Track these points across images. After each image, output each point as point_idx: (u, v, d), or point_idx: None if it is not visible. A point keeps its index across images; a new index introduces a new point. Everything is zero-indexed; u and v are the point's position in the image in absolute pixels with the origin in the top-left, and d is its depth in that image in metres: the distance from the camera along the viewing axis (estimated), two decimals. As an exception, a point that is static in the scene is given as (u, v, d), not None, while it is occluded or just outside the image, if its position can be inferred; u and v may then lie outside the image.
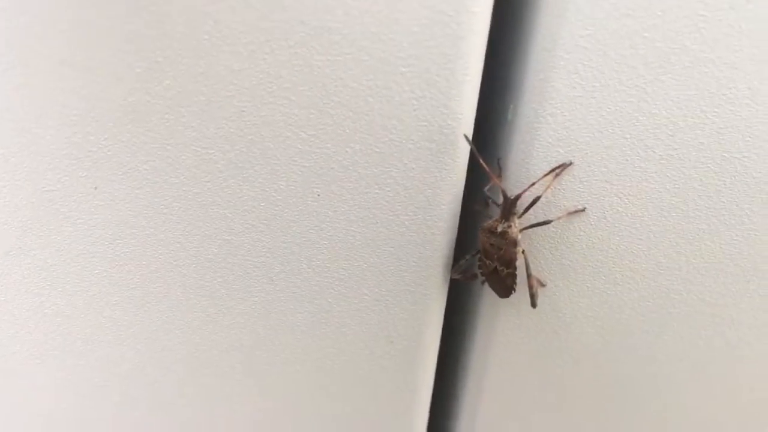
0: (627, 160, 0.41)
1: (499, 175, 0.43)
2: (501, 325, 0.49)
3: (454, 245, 0.46)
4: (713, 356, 0.51)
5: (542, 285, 0.46)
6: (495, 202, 0.43)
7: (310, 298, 0.46)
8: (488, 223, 0.42)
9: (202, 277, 0.44)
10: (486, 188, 0.42)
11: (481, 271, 0.45)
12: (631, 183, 0.42)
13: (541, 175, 0.41)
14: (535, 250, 0.45)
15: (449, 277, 0.46)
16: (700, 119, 0.40)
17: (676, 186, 0.43)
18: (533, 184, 0.40)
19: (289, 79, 0.36)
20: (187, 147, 0.38)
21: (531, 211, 0.43)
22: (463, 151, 0.40)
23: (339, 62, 0.36)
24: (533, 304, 0.45)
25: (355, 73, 0.36)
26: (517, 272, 0.44)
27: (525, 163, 0.41)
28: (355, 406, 0.52)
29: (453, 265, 0.46)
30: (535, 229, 0.44)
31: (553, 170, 0.40)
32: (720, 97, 0.39)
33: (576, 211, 0.43)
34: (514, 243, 0.42)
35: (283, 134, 0.38)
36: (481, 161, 0.39)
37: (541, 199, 0.42)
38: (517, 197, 0.41)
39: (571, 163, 0.41)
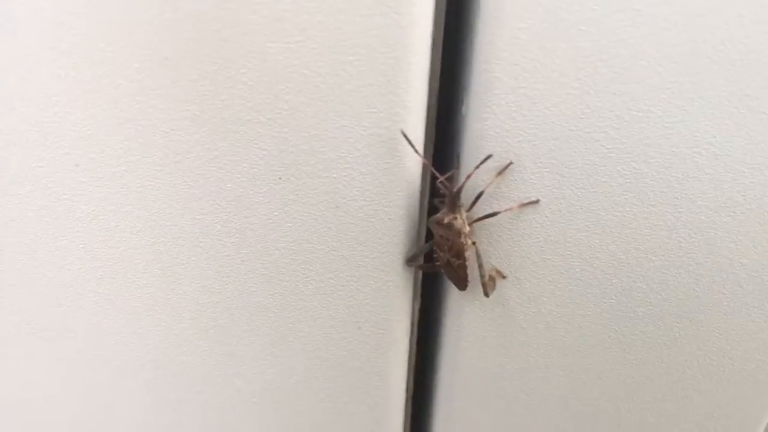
0: (575, 152, 0.43)
1: (456, 168, 0.45)
2: (467, 319, 0.51)
3: (419, 235, 0.48)
4: (678, 352, 0.51)
5: (503, 277, 0.48)
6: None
7: (280, 280, 0.48)
8: (437, 215, 0.44)
9: (177, 255, 0.47)
10: (438, 181, 0.44)
11: (438, 263, 0.47)
12: (581, 176, 0.44)
13: (473, 168, 0.42)
14: (495, 243, 0.47)
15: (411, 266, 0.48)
16: (644, 113, 0.41)
17: (628, 181, 0.44)
18: (468, 177, 0.42)
19: (245, 65, 0.39)
20: (156, 129, 0.42)
21: (484, 204, 0.45)
22: (417, 139, 0.43)
23: (290, 49, 0.39)
24: (485, 294, 0.46)
25: (306, 60, 0.39)
26: (467, 263, 0.45)
27: (478, 156, 0.43)
28: (328, 393, 0.54)
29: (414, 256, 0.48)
30: (493, 222, 0.46)
31: (482, 162, 0.42)
32: (663, 91, 0.41)
33: (529, 203, 0.45)
34: (459, 234, 0.44)
35: (243, 118, 0.41)
36: (421, 157, 0.42)
37: (496, 192, 0.44)
38: (459, 190, 0.43)
39: (510, 163, 0.43)
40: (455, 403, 0.56)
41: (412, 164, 0.44)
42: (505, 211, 0.45)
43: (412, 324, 0.53)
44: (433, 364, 0.56)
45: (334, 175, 0.43)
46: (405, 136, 0.41)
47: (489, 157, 0.42)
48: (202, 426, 0.56)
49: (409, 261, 0.48)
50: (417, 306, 0.53)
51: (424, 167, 0.45)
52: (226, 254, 0.47)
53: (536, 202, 0.45)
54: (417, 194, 0.45)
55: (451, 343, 0.53)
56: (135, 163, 0.43)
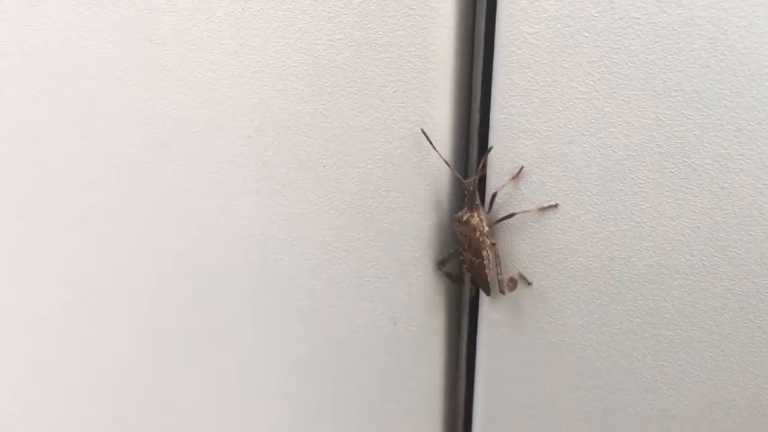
0: (589, 158, 0.46)
1: (483, 164, 0.49)
2: (500, 329, 0.53)
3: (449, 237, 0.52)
4: (706, 363, 0.50)
5: (528, 283, 0.50)
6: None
7: (324, 267, 0.53)
8: (458, 213, 0.49)
9: (199, 262, 0.54)
10: (467, 180, 0.49)
11: (465, 265, 0.51)
12: (597, 183, 0.46)
13: (478, 168, 0.47)
14: (516, 252, 0.50)
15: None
16: (653, 120, 0.44)
17: (643, 190, 0.46)
18: (478, 173, 0.47)
19: (297, 59, 0.47)
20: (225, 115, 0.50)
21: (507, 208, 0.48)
22: (444, 133, 0.48)
23: (332, 46, 0.46)
24: (501, 291, 0.49)
25: (344, 55, 0.46)
26: (487, 262, 0.49)
27: (500, 154, 0.47)
28: (365, 392, 0.57)
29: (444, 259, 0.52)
30: (514, 230, 0.49)
31: (486, 153, 0.46)
32: (668, 98, 0.43)
33: (549, 207, 0.48)
34: (475, 230, 0.47)
35: (294, 108, 0.48)
36: (440, 155, 0.47)
37: (516, 196, 0.48)
38: (474, 188, 0.47)
39: (522, 168, 0.47)
40: (493, 414, 0.57)
41: (439, 159, 0.48)
42: (522, 212, 0.48)
43: (460, 337, 0.56)
44: (470, 374, 0.58)
45: (370, 166, 0.49)
46: (424, 133, 0.46)
47: (491, 148, 0.46)
48: (234, 420, 0.61)
49: (439, 264, 0.52)
50: (465, 323, 0.56)
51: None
52: (277, 238, 0.53)
53: (555, 206, 0.47)
54: (446, 189, 0.49)
55: (484, 354, 0.55)
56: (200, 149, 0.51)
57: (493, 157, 0.48)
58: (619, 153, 0.45)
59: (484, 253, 0.48)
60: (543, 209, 0.48)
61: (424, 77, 0.45)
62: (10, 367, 0.63)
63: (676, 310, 0.48)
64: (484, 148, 0.49)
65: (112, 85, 0.50)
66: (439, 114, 0.47)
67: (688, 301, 0.48)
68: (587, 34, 0.43)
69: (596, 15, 0.42)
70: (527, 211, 0.48)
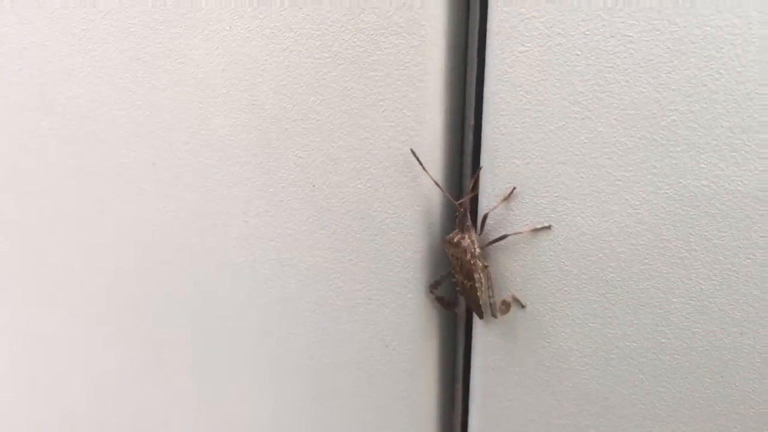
0: (582, 178, 0.45)
1: (471, 189, 0.48)
2: (494, 353, 0.52)
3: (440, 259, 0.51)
4: (705, 389, 0.48)
5: (522, 306, 0.49)
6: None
7: (314, 288, 0.53)
8: (448, 235, 0.48)
9: (209, 262, 0.53)
10: (458, 202, 0.48)
11: (457, 288, 0.50)
12: (591, 204, 0.45)
13: (469, 189, 0.46)
14: (510, 275, 0.49)
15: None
16: (647, 141, 0.43)
17: (638, 211, 0.45)
18: (470, 195, 0.47)
19: (283, 78, 0.46)
20: (212, 135, 0.49)
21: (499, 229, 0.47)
22: (436, 153, 0.47)
23: (320, 65, 0.45)
24: (493, 314, 0.48)
25: (333, 74, 0.46)
26: (479, 285, 0.48)
27: (494, 174, 0.47)
28: (356, 415, 0.56)
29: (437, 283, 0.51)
30: (508, 251, 0.48)
31: (476, 174, 0.45)
32: (661, 119, 0.42)
33: (541, 228, 0.47)
34: (466, 252, 0.47)
35: (282, 127, 0.48)
36: (430, 176, 0.46)
37: (510, 218, 0.47)
38: (465, 209, 0.46)
39: (514, 189, 0.46)
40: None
41: (430, 180, 0.47)
42: (515, 234, 0.47)
43: (455, 360, 0.55)
44: (465, 398, 0.57)
45: (359, 186, 0.48)
46: (414, 154, 0.46)
47: (480, 168, 0.45)
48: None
49: (431, 287, 0.51)
50: (460, 346, 0.55)
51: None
52: (267, 259, 0.52)
53: (548, 227, 0.46)
54: (437, 210, 0.49)
55: (481, 378, 0.53)
56: (187, 167, 0.51)
57: (484, 178, 0.47)
58: (613, 173, 0.44)
59: (476, 276, 0.47)
60: (536, 231, 0.47)
61: (414, 96, 0.45)
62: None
63: (673, 335, 0.47)
64: (476, 168, 0.48)
65: (100, 103, 0.49)
66: (430, 134, 0.46)
67: (685, 325, 0.47)
68: (579, 53, 0.42)
69: (587, 33, 0.41)
70: (520, 232, 0.47)
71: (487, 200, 0.47)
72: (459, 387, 0.57)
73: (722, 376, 0.47)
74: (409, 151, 0.46)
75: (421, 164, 0.46)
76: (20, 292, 0.59)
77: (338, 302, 0.53)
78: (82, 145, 0.52)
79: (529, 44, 0.43)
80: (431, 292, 0.51)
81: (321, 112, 0.47)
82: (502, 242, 0.47)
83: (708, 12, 0.39)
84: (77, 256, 0.56)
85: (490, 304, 0.48)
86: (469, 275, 0.47)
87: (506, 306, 0.48)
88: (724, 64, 0.40)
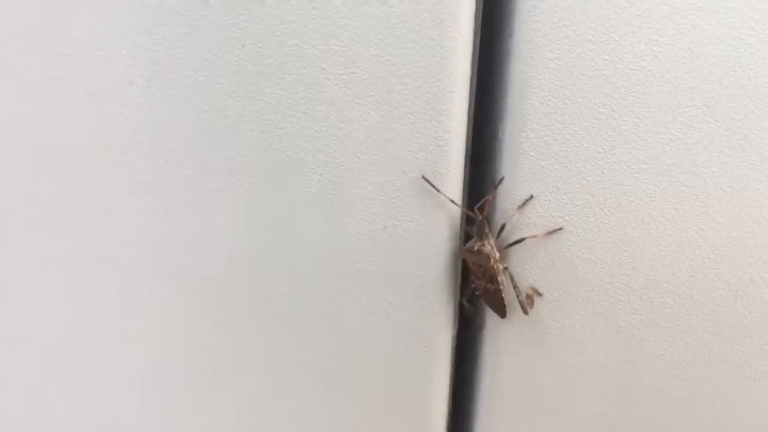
0: (604, 173, 0.47)
1: (493, 192, 0.49)
2: (506, 337, 0.54)
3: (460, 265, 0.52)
4: (709, 370, 0.53)
5: (539, 294, 0.51)
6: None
7: (331, 298, 0.51)
8: (467, 244, 0.48)
9: (229, 277, 0.51)
10: (476, 207, 0.48)
11: (477, 292, 0.51)
12: (610, 196, 0.47)
13: (487, 195, 0.47)
14: (530, 262, 0.50)
15: (458, 294, 0.52)
16: (665, 135, 0.45)
17: (653, 199, 0.47)
18: (489, 202, 0.47)
19: (305, 96, 0.44)
20: (222, 153, 0.46)
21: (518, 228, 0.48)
22: (457, 162, 0.47)
23: (344, 81, 0.43)
24: (524, 311, 0.50)
25: (358, 90, 0.44)
26: (502, 287, 0.49)
27: (514, 179, 0.47)
28: (373, 411, 0.57)
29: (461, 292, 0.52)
30: (526, 244, 0.49)
31: (497, 185, 0.47)
32: (681, 114, 0.45)
33: (554, 231, 0.48)
34: (489, 258, 0.47)
35: (302, 144, 0.45)
36: (444, 195, 0.46)
37: (531, 213, 0.48)
38: (484, 218, 0.47)
39: (531, 197, 0.47)
40: (495, 421, 0.58)
41: (454, 187, 0.47)
42: (531, 237, 0.48)
43: (451, 347, 0.56)
44: (472, 380, 0.59)
45: (383, 198, 0.47)
46: (426, 180, 0.46)
47: (503, 179, 0.46)
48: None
49: (465, 299, 0.52)
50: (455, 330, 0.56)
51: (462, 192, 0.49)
52: (282, 273, 0.50)
53: (559, 229, 0.48)
54: (458, 218, 0.49)
55: (491, 360, 0.55)
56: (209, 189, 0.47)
57: (501, 185, 0.47)
58: (633, 167, 0.46)
59: (500, 279, 0.49)
60: (549, 233, 0.48)
61: (444, 107, 0.44)
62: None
63: (676, 303, 0.51)
64: (488, 175, 0.48)
65: (86, 135, 0.45)
66: (456, 144, 0.46)
67: (704, 339, 0.51)
68: (607, 57, 0.43)
69: (617, 39, 0.42)
70: (535, 235, 0.48)
71: (503, 207, 0.48)
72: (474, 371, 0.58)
73: (717, 333, 0.52)
74: (436, 159, 0.46)
75: (434, 187, 0.46)
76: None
77: (357, 308, 0.52)
78: (63, 174, 0.47)
79: (559, 51, 0.43)
80: (463, 304, 0.52)
81: (343, 128, 0.45)
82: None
83: (726, 15, 0.42)
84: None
85: (519, 302, 0.49)
86: (493, 279, 0.49)
87: (531, 300, 0.50)
88: (738, 62, 0.43)
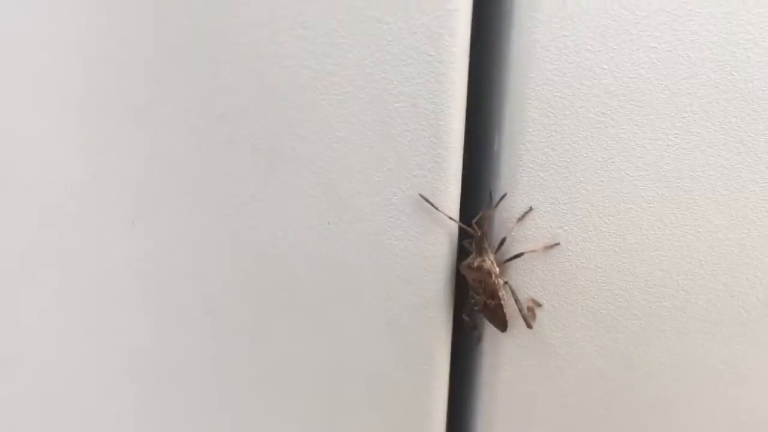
0: (602, 182, 0.46)
1: (489, 205, 0.48)
2: (505, 348, 0.53)
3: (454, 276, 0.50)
4: (707, 372, 0.54)
5: (538, 305, 0.50)
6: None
7: (326, 324, 0.50)
8: (466, 261, 0.47)
9: (224, 303, 0.49)
10: (474, 222, 0.47)
11: (476, 307, 0.50)
12: (609, 204, 0.47)
13: (498, 209, 0.46)
14: (529, 273, 0.50)
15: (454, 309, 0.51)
16: (663, 141, 0.45)
17: (651, 205, 0.47)
18: (489, 217, 0.46)
19: (297, 117, 0.42)
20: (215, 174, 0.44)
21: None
22: (455, 178, 0.45)
23: (340, 101, 0.42)
24: (528, 326, 0.49)
25: (354, 109, 0.42)
26: (503, 302, 0.48)
27: (512, 191, 0.46)
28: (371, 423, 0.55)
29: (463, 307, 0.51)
30: (525, 256, 0.48)
31: (499, 200, 0.46)
32: (678, 120, 0.44)
33: (552, 246, 0.48)
34: (490, 274, 0.47)
35: (295, 168, 0.44)
36: (443, 213, 0.45)
37: (529, 224, 0.47)
38: (483, 233, 0.46)
39: (531, 209, 0.46)
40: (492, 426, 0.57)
41: (452, 203, 0.46)
42: (530, 252, 0.47)
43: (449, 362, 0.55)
44: (471, 391, 0.58)
45: (380, 218, 0.46)
46: (423, 197, 0.45)
47: (504, 195, 0.45)
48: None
49: (465, 314, 0.51)
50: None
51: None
52: (275, 300, 0.49)
53: (557, 244, 0.47)
54: (455, 235, 0.48)
55: (489, 370, 0.54)
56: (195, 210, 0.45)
57: (501, 192, 0.47)
58: (631, 174, 0.46)
59: (500, 294, 0.48)
60: (548, 248, 0.48)
61: (442, 123, 0.43)
62: None
63: (673, 306, 0.51)
64: (484, 188, 0.48)
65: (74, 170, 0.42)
66: (454, 160, 0.45)
67: (701, 341, 0.51)
68: (605, 66, 0.42)
69: (615, 47, 0.42)
70: (534, 250, 0.48)
71: (501, 219, 0.47)
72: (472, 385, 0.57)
73: (713, 334, 0.52)
74: (435, 176, 0.45)
75: (433, 205, 0.45)
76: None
77: (353, 333, 0.51)
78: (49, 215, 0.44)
79: (557, 62, 0.42)
80: (465, 317, 0.51)
81: (338, 149, 0.43)
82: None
83: (724, 20, 0.41)
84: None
85: (523, 317, 0.48)
86: (494, 294, 0.48)
87: (532, 312, 0.49)
88: (736, 66, 0.43)
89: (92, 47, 0.41)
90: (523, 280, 0.50)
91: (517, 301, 0.48)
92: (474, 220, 0.47)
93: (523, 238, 0.48)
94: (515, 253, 0.48)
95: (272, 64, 0.41)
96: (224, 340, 0.51)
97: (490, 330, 0.53)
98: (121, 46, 0.41)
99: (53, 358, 0.52)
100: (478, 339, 0.53)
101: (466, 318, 0.52)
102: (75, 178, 0.44)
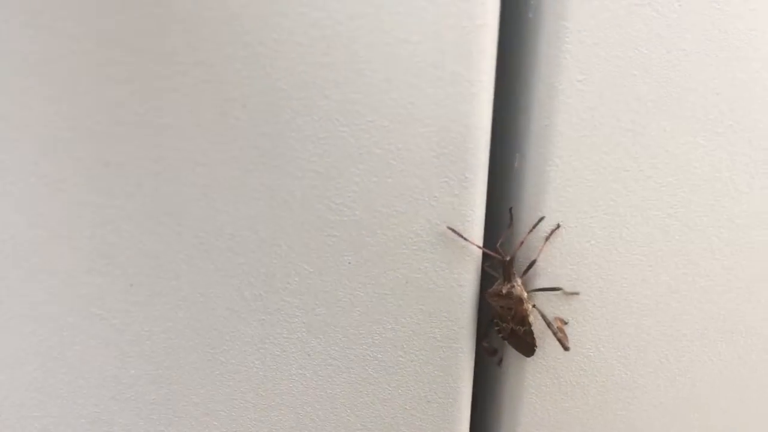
0: (630, 191, 0.44)
1: (510, 225, 0.45)
2: (526, 371, 0.50)
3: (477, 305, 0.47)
4: (730, 374, 0.53)
5: (565, 323, 0.48)
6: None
7: (348, 367, 0.46)
8: (493, 288, 0.44)
9: (241, 358, 0.44)
10: (498, 245, 0.44)
11: (501, 335, 0.47)
12: (635, 213, 0.45)
13: (525, 233, 0.44)
14: (551, 293, 0.47)
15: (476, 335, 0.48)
16: (691, 145, 0.43)
17: (678, 211, 0.45)
18: (521, 243, 0.43)
19: (315, 152, 0.38)
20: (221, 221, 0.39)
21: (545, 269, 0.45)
22: (480, 201, 0.42)
23: (362, 130, 0.38)
24: (565, 348, 0.46)
25: (376, 139, 0.38)
26: (533, 328, 0.45)
27: (536, 209, 0.43)
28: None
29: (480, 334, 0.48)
30: (546, 272, 0.46)
31: (536, 224, 0.43)
32: (706, 123, 0.43)
33: (573, 293, 0.45)
34: (521, 301, 0.44)
35: (314, 206, 0.40)
36: (473, 243, 0.42)
37: (555, 240, 0.44)
38: (512, 258, 0.43)
39: (559, 226, 0.43)
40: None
41: (477, 229, 0.43)
42: (572, 294, 0.45)
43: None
44: (494, 410, 0.55)
45: (405, 251, 0.42)
46: (452, 230, 0.42)
47: (542, 219, 0.42)
48: None
49: (484, 340, 0.48)
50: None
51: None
52: (294, 344, 0.45)
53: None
54: (479, 263, 0.45)
55: (511, 391, 0.52)
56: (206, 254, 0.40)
57: (525, 211, 0.44)
58: (658, 181, 0.44)
59: (530, 320, 0.45)
60: (568, 294, 0.46)
61: (471, 146, 0.40)
62: None
63: (697, 311, 0.50)
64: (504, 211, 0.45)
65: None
66: (480, 184, 0.41)
67: (708, 299, 0.49)
68: (636, 72, 0.40)
69: (646, 52, 0.40)
70: (561, 288, 0.45)
71: (528, 239, 0.44)
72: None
73: (733, 332, 0.51)
74: (461, 203, 0.42)
75: (460, 235, 0.42)
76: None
77: (376, 373, 0.47)
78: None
79: (588, 72, 0.40)
80: (483, 344, 0.48)
81: (359, 183, 0.40)
82: (533, 269, 0.45)
83: (751, 17, 0.40)
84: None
85: (558, 339, 0.46)
86: (523, 321, 0.45)
87: (563, 333, 0.47)
88: (764, 65, 0.41)
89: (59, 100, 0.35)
90: (548, 297, 0.47)
91: (549, 324, 0.46)
92: (497, 244, 0.44)
93: (550, 256, 0.45)
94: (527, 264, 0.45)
95: (287, 97, 0.36)
96: (239, 384, 0.46)
97: (510, 352, 0.50)
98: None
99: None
100: (499, 362, 0.50)
101: (485, 345, 0.49)
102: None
